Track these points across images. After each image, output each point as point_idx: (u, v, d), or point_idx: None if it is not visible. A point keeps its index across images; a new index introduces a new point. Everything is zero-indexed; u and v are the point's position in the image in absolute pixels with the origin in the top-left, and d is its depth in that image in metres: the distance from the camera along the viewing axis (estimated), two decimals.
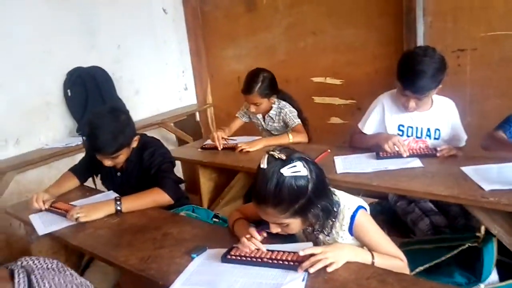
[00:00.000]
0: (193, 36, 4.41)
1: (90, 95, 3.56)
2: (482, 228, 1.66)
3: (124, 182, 2.17)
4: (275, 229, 1.35)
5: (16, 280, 0.85)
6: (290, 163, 1.25)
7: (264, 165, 1.27)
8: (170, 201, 1.99)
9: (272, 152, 1.29)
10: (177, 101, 4.38)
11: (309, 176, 1.27)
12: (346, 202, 1.41)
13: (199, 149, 2.73)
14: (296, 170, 1.24)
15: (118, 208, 1.88)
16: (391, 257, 1.34)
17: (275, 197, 1.24)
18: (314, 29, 3.64)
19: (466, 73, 2.91)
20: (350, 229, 1.39)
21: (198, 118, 4.40)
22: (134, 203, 1.92)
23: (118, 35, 3.81)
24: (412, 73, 1.97)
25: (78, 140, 3.26)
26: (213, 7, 4.27)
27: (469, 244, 1.57)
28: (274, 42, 3.91)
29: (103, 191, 2.22)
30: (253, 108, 2.73)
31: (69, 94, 3.53)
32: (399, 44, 3.17)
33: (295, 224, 1.33)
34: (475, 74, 2.89)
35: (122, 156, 2.06)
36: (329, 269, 1.25)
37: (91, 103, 3.55)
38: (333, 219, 1.38)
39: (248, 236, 1.40)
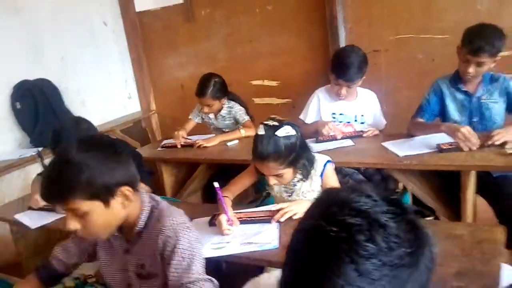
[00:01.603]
0: (133, 46, 4.76)
1: (40, 107, 3.76)
2: (400, 185, 2.27)
3: None
4: (272, 181, 1.81)
5: None
6: (282, 127, 1.75)
7: (261, 132, 1.75)
8: (148, 189, 2.39)
9: (266, 122, 1.78)
10: (122, 109, 4.72)
11: (296, 135, 1.77)
12: (318, 156, 1.92)
13: (159, 149, 3.15)
14: (287, 131, 1.74)
15: None
16: None
17: (275, 153, 1.71)
18: (250, 37, 4.16)
19: (381, 70, 3.59)
20: (322, 175, 1.88)
21: (143, 125, 4.75)
22: None
23: (61, 48, 4.06)
24: (343, 65, 2.57)
25: (32, 151, 3.45)
26: (152, 19, 4.64)
27: None
28: (213, 50, 4.38)
29: None
30: (206, 109, 3.19)
31: (18, 106, 3.72)
32: (325, 48, 3.79)
33: (288, 174, 1.81)
34: (388, 70, 3.58)
35: None
36: (294, 217, 1.76)
37: (42, 114, 3.75)
38: (312, 167, 1.88)
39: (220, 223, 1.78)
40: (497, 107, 2.39)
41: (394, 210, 0.65)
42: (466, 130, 2.11)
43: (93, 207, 1.22)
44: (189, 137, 3.21)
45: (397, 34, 3.51)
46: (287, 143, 1.74)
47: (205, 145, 2.97)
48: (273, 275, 1.03)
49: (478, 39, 2.23)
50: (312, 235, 0.66)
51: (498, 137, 2.08)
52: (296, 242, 0.69)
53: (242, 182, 2.00)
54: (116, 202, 1.26)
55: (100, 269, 1.52)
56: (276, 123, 1.78)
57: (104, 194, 1.23)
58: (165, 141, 3.25)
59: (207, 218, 1.89)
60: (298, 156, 1.79)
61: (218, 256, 1.59)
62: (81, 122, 2.30)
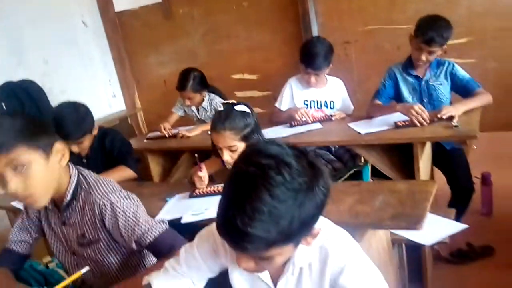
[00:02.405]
0: (114, 46, 5.07)
1: (26, 107, 3.91)
2: (362, 159, 2.64)
3: (91, 169, 2.80)
4: (226, 156, 2.07)
5: None
6: (239, 104, 2.08)
7: (221, 108, 2.08)
8: (134, 175, 2.70)
9: (227, 101, 2.11)
10: (107, 108, 5.02)
11: (251, 114, 2.09)
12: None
13: (145, 140, 3.47)
14: (244, 108, 2.06)
15: None
16: None
17: (231, 123, 2.00)
18: (228, 33, 4.49)
19: (352, 60, 3.96)
20: None
21: (129, 121, 5.07)
22: None
23: (44, 50, 4.32)
24: (310, 55, 2.91)
25: None
26: (131, 18, 4.96)
27: (355, 169, 2.53)
28: (193, 47, 4.71)
29: None
30: (188, 102, 3.52)
31: (4, 108, 3.96)
32: (299, 42, 4.11)
33: (241, 149, 2.08)
34: (359, 60, 3.94)
35: (86, 142, 2.62)
36: None
37: (28, 114, 4.02)
38: None
39: (196, 176, 2.17)
40: (443, 89, 2.76)
41: (296, 153, 0.92)
42: (418, 107, 2.47)
43: (34, 158, 1.29)
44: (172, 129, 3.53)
45: (365, 26, 3.88)
46: (242, 118, 2.04)
47: (188, 135, 3.29)
48: None
49: (430, 31, 2.58)
50: (236, 175, 0.93)
51: (445, 112, 2.43)
52: (226, 183, 0.95)
53: (212, 163, 2.32)
54: (54, 158, 1.36)
55: (48, 244, 1.65)
56: (234, 101, 2.11)
57: (44, 144, 1.33)
58: (150, 134, 3.58)
59: (186, 193, 2.21)
60: (252, 132, 2.07)
61: (198, 221, 1.89)
62: (79, 106, 2.56)
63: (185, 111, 3.72)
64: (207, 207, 1.99)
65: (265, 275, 1.15)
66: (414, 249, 2.27)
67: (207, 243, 1.19)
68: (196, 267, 1.21)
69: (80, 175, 1.52)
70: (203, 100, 3.57)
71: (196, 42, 4.70)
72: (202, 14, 4.58)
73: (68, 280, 1.39)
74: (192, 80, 3.42)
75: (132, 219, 1.47)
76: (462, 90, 2.72)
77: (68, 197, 1.48)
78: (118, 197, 1.48)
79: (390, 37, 3.78)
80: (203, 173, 2.16)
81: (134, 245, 1.49)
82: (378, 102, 2.90)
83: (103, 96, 5.03)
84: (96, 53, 4.99)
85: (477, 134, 2.23)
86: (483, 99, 2.60)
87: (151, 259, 1.66)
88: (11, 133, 1.26)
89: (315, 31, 4.04)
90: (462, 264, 2.56)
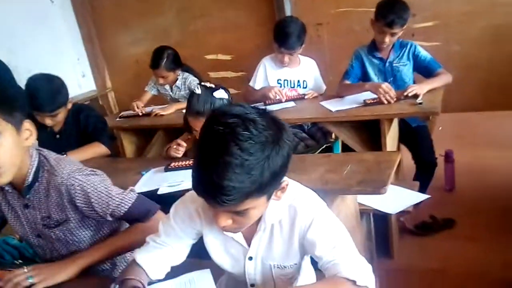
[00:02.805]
0: (83, 23, 5.01)
1: None
2: (333, 135, 2.81)
3: (64, 144, 2.71)
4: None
5: None
6: (218, 89, 2.17)
7: (199, 91, 2.16)
8: (108, 152, 2.73)
9: (203, 84, 2.21)
10: (77, 88, 4.97)
11: (229, 99, 2.19)
12: None
13: (118, 119, 3.54)
14: (222, 95, 2.16)
15: None
16: None
17: (210, 109, 2.08)
18: (203, 12, 4.54)
19: (324, 42, 4.10)
20: None
21: (100, 102, 5.09)
22: (78, 155, 2.49)
23: (9, 26, 4.22)
24: (284, 35, 3.04)
25: None
26: None
27: (326, 145, 2.70)
28: (166, 26, 4.72)
29: None
30: (161, 80, 3.59)
31: None
32: (273, 22, 4.17)
33: None
34: (331, 42, 4.09)
35: (61, 115, 2.59)
36: None
37: None
38: None
39: (173, 146, 2.29)
40: (406, 69, 2.96)
41: (259, 111, 1.03)
42: (386, 86, 2.64)
43: (6, 129, 1.33)
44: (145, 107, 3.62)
45: (337, 8, 4.03)
46: (220, 104, 2.12)
47: (161, 113, 3.38)
48: (189, 192, 1.36)
49: (391, 14, 2.75)
50: (206, 136, 1.01)
51: (410, 90, 2.61)
52: (198, 145, 1.04)
53: (184, 140, 2.42)
54: (23, 136, 1.39)
55: (11, 225, 1.65)
56: (212, 86, 2.19)
57: (16, 121, 1.37)
58: (123, 113, 3.64)
59: (161, 167, 2.30)
60: None
61: (175, 192, 1.99)
62: (53, 78, 2.57)
63: (158, 90, 3.79)
64: (182, 179, 2.09)
65: (239, 236, 1.26)
66: (381, 221, 2.46)
67: (182, 211, 1.28)
68: (175, 235, 1.30)
69: (40, 156, 1.52)
70: (176, 79, 3.65)
71: (169, 21, 4.72)
72: None
73: None
74: (166, 58, 3.48)
75: (105, 194, 1.49)
76: (424, 70, 2.93)
77: (30, 178, 1.48)
78: (84, 175, 1.49)
79: (360, 19, 3.90)
80: (182, 142, 2.26)
81: (109, 218, 1.53)
82: (347, 82, 3.07)
83: (72, 75, 4.97)
84: (64, 31, 4.92)
85: (439, 111, 2.42)
86: (444, 79, 2.80)
87: (122, 224, 1.72)
88: None
89: (288, 12, 4.14)
90: (426, 235, 2.77)
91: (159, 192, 2.02)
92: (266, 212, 1.18)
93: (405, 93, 2.62)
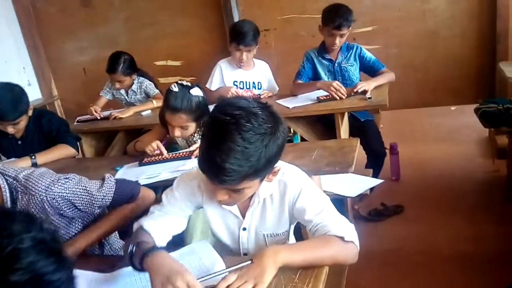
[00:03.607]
0: (28, 32, 4.92)
1: None
2: (292, 130, 3.00)
3: (27, 149, 2.72)
4: (177, 133, 2.29)
5: None
6: (194, 87, 2.26)
7: (175, 89, 2.23)
8: (76, 153, 2.77)
9: (180, 82, 2.29)
10: None
11: (203, 96, 2.29)
12: None
13: (75, 123, 3.53)
14: (198, 92, 2.25)
15: (34, 161, 2.52)
16: None
17: (187, 106, 2.19)
18: (151, 20, 4.62)
19: (272, 47, 4.31)
20: None
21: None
22: (46, 156, 2.54)
23: None
24: (241, 33, 3.19)
25: None
26: (45, 4, 4.87)
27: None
28: (114, 34, 4.75)
29: None
30: (118, 85, 3.62)
31: None
32: (221, 29, 4.40)
33: (192, 127, 2.29)
34: (278, 47, 4.30)
35: (23, 123, 2.60)
36: None
37: None
38: None
39: (153, 144, 2.34)
40: (353, 69, 3.21)
41: (261, 106, 1.18)
42: (336, 83, 2.86)
43: None
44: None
45: (283, 15, 4.26)
46: (197, 100, 2.24)
47: (120, 116, 3.40)
48: (192, 168, 1.55)
49: (338, 17, 2.99)
50: (214, 123, 1.17)
51: (360, 87, 2.85)
52: (205, 131, 1.22)
53: (156, 134, 2.49)
54: None
55: None
56: (188, 83, 2.29)
57: None
58: (79, 117, 3.62)
59: (135, 163, 2.37)
60: (203, 113, 2.29)
61: (154, 182, 2.07)
62: (14, 86, 2.55)
63: (113, 94, 3.81)
64: (160, 172, 2.16)
65: (235, 209, 1.42)
66: (337, 208, 2.65)
67: (185, 185, 1.42)
68: (177, 206, 1.42)
69: (8, 179, 1.50)
70: (132, 83, 3.69)
71: (116, 29, 4.75)
72: (123, 1, 4.66)
73: None
74: (122, 63, 3.53)
75: (85, 195, 1.54)
76: (369, 70, 3.20)
77: (8, 205, 1.47)
78: (60, 184, 1.51)
79: (304, 25, 4.18)
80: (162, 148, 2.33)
81: (98, 211, 1.61)
82: (300, 81, 3.27)
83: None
84: (8, 40, 4.81)
85: (387, 103, 2.67)
86: (388, 76, 3.10)
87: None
88: None
89: (236, 19, 4.31)
90: (379, 221, 2.98)
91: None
92: (259, 189, 1.34)
93: (355, 90, 2.85)
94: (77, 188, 1.52)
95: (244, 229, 1.44)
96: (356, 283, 2.17)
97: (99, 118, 3.46)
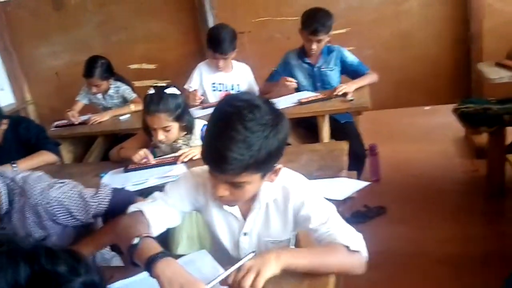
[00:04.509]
0: None
1: None
2: None
3: (4, 158, 2.52)
4: (160, 136, 2.17)
5: None
6: (169, 87, 2.17)
7: (152, 91, 2.15)
8: (57, 159, 2.62)
9: (155, 84, 2.20)
10: None
11: (181, 96, 2.20)
12: (196, 122, 2.36)
13: (53, 128, 3.35)
14: (174, 91, 2.16)
15: (15, 169, 2.34)
16: None
17: (164, 105, 2.10)
18: (125, 24, 4.43)
19: (246, 50, 4.18)
20: (202, 138, 2.31)
21: (22, 115, 4.74)
22: (27, 163, 2.39)
23: None
24: (217, 40, 3.08)
25: None
26: (16, 7, 4.61)
27: None
28: (87, 38, 4.54)
29: None
30: (94, 89, 3.46)
31: None
32: (196, 32, 4.27)
33: (174, 129, 2.19)
34: (252, 49, 4.16)
35: None
36: (194, 158, 2.19)
37: None
38: (193, 126, 2.31)
39: (141, 153, 2.23)
40: (333, 74, 3.13)
41: (263, 100, 1.19)
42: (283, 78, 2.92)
43: None
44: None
45: (257, 17, 4.14)
46: (174, 99, 2.14)
47: (99, 120, 3.27)
48: (199, 167, 1.45)
49: (315, 23, 2.91)
50: (218, 114, 1.17)
51: (340, 89, 2.79)
52: (210, 121, 1.18)
53: (138, 140, 2.39)
54: None
55: None
56: (164, 84, 2.22)
57: None
58: (56, 122, 3.45)
59: (120, 169, 2.26)
60: (183, 113, 2.20)
61: (142, 189, 1.98)
62: None
63: (90, 99, 3.65)
64: (147, 178, 2.07)
65: (237, 212, 1.36)
66: None
67: (189, 181, 1.38)
68: (178, 199, 1.35)
69: (6, 179, 1.46)
70: (109, 87, 3.54)
71: (89, 33, 4.54)
72: (96, 5, 4.45)
73: None
74: (100, 67, 3.39)
75: (81, 201, 1.48)
76: (352, 73, 3.12)
77: (4, 208, 1.43)
78: (56, 188, 1.46)
79: (280, 28, 4.08)
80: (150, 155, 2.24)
81: (92, 220, 1.53)
82: (269, 83, 3.23)
83: None
84: None
85: (369, 105, 2.61)
86: (370, 78, 3.03)
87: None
88: None
89: (210, 22, 4.17)
90: (362, 223, 2.87)
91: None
92: (261, 192, 1.29)
93: (335, 92, 2.78)
94: (72, 193, 1.47)
95: (245, 234, 1.37)
96: (346, 285, 2.10)
97: (76, 123, 3.30)
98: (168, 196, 1.36)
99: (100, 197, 1.51)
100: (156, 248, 1.14)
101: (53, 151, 2.61)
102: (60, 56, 4.68)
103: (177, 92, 2.19)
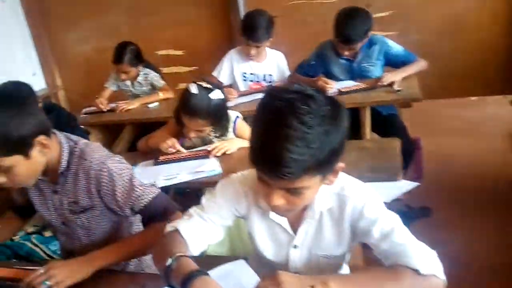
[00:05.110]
0: (32, 22, 4.55)
1: None
2: None
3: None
4: (192, 134, 2.02)
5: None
6: (214, 90, 1.95)
7: (195, 90, 1.92)
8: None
9: (199, 83, 1.96)
10: None
11: (224, 99, 2.00)
12: (230, 113, 2.15)
13: (82, 115, 3.18)
14: (219, 95, 1.96)
15: None
16: None
17: (206, 112, 1.92)
18: (153, 9, 4.21)
19: (278, 34, 3.89)
20: (234, 131, 2.15)
21: (53, 101, 4.61)
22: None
23: None
24: (252, 27, 2.81)
25: None
26: None
27: None
28: (116, 23, 4.35)
29: None
30: (123, 76, 3.27)
31: None
32: (226, 16, 4.01)
33: (208, 130, 2.04)
34: (285, 34, 3.82)
35: None
36: (227, 152, 2.01)
37: None
38: (227, 128, 2.12)
39: (168, 142, 2.04)
40: (374, 70, 2.74)
41: (316, 89, 0.97)
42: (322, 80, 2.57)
43: (14, 161, 1.23)
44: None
45: (290, 1, 3.85)
46: (216, 106, 1.96)
47: (127, 107, 3.10)
48: (239, 173, 1.26)
49: (347, 30, 2.54)
50: (266, 110, 0.96)
51: (386, 79, 2.49)
52: (257, 120, 0.98)
53: (162, 134, 2.19)
54: (35, 152, 1.28)
55: (37, 211, 1.54)
56: (209, 86, 1.98)
57: (22, 147, 1.24)
58: (85, 109, 3.30)
59: (150, 161, 2.08)
60: (221, 116, 2.04)
61: (172, 185, 1.83)
62: (22, 85, 2.28)
63: (118, 86, 3.47)
64: (178, 172, 1.91)
65: (285, 223, 1.16)
66: None
67: (229, 191, 1.19)
68: (217, 213, 1.18)
69: (70, 141, 1.43)
70: (138, 74, 3.35)
71: (118, 18, 4.36)
72: None
73: None
74: (129, 53, 3.20)
75: (128, 184, 1.39)
76: (399, 65, 2.72)
77: (62, 167, 1.38)
78: (113, 162, 1.39)
79: (313, 11, 3.80)
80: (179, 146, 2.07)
81: (128, 210, 1.41)
82: (299, 75, 2.92)
83: (23, 75, 4.44)
84: (14, 30, 4.46)
85: (420, 96, 2.31)
86: (418, 65, 2.67)
87: (138, 228, 1.57)
88: None
89: (241, 6, 3.93)
90: (405, 225, 2.59)
91: (158, 186, 1.78)
92: (315, 200, 1.10)
93: (380, 83, 2.49)
94: (124, 172, 1.39)
95: (296, 246, 1.18)
96: None
97: (105, 110, 3.14)
98: (205, 211, 1.18)
99: (146, 191, 1.40)
100: (192, 266, 1.00)
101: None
102: (89, 42, 4.53)
103: (221, 96, 1.99)
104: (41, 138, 1.28)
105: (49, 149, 1.32)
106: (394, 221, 1.07)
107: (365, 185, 1.14)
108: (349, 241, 1.16)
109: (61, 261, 1.29)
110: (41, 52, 4.66)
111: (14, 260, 1.81)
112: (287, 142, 0.89)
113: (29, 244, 2.04)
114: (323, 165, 0.95)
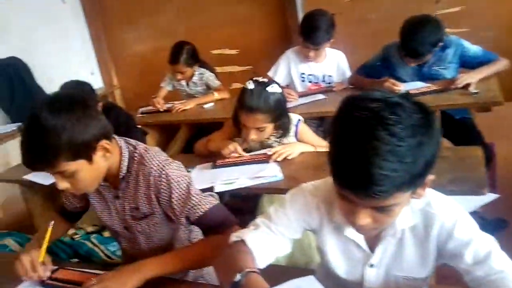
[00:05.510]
0: (91, 22, 4.63)
1: (15, 84, 3.63)
2: None
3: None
4: (252, 136, 1.88)
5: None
6: (271, 84, 1.83)
7: (251, 86, 1.81)
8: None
9: (255, 78, 1.85)
10: None
11: (282, 94, 1.86)
12: (290, 115, 2.01)
13: (139, 115, 3.16)
14: (276, 89, 1.83)
15: None
16: (324, 146, 1.99)
17: (265, 106, 1.79)
18: (206, 8, 4.14)
19: (338, 32, 3.64)
20: (296, 135, 2.01)
21: (109, 100, 4.67)
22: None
23: (22, 27, 3.90)
24: (311, 29, 2.63)
25: (12, 127, 3.32)
26: None
27: None
28: (171, 22, 4.32)
29: None
30: (179, 76, 3.20)
31: None
32: (282, 15, 3.86)
33: (268, 129, 1.88)
34: (344, 33, 3.64)
35: None
36: (289, 157, 1.88)
37: (17, 91, 3.63)
38: (290, 124, 1.98)
39: (230, 147, 1.92)
40: (447, 73, 2.49)
41: (402, 95, 0.85)
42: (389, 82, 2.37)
43: (78, 166, 1.22)
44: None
45: None
46: (275, 99, 1.82)
47: (183, 108, 3.04)
48: (310, 183, 1.13)
49: (413, 43, 2.31)
50: (346, 122, 0.85)
51: (461, 81, 2.25)
52: (336, 134, 0.86)
53: (220, 137, 2.09)
54: (98, 157, 1.27)
55: (98, 217, 1.52)
56: (265, 80, 1.87)
57: (86, 152, 1.23)
58: (142, 109, 3.28)
59: (208, 164, 1.98)
60: (281, 113, 1.89)
61: (231, 190, 1.72)
62: (84, 84, 2.32)
63: (174, 86, 3.41)
64: (237, 176, 1.79)
65: (361, 240, 1.06)
66: None
67: (300, 202, 1.11)
68: (286, 225, 1.10)
69: (130, 146, 1.40)
70: (193, 74, 3.27)
71: (173, 17, 4.33)
72: None
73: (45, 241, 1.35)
74: (185, 53, 3.12)
75: (185, 191, 1.33)
76: (477, 66, 2.42)
77: (123, 171, 1.36)
78: (172, 168, 1.34)
79: (374, 8, 3.58)
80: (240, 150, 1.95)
81: (183, 220, 1.34)
82: (360, 76, 2.75)
83: (82, 74, 4.55)
84: (74, 30, 4.56)
85: (502, 99, 2.06)
86: (497, 65, 2.39)
87: (197, 236, 1.53)
88: (54, 150, 1.16)
89: (299, 4, 3.77)
90: None
91: (216, 190, 1.73)
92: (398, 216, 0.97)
93: (454, 85, 2.26)
94: (182, 179, 1.33)
95: (372, 265, 1.08)
96: None
97: (161, 110, 3.09)
98: (274, 222, 1.09)
99: (203, 200, 1.33)
100: (262, 285, 0.93)
101: (140, 141, 2.40)
102: (145, 41, 4.54)
103: (279, 89, 1.86)
104: (104, 142, 1.26)
105: (111, 153, 1.31)
106: (490, 243, 0.96)
107: (453, 200, 1.00)
108: (433, 264, 1.04)
109: (112, 272, 1.24)
110: (99, 52, 4.74)
111: (75, 259, 1.82)
112: (377, 157, 0.79)
113: (89, 244, 2.04)
114: (417, 180, 0.84)
